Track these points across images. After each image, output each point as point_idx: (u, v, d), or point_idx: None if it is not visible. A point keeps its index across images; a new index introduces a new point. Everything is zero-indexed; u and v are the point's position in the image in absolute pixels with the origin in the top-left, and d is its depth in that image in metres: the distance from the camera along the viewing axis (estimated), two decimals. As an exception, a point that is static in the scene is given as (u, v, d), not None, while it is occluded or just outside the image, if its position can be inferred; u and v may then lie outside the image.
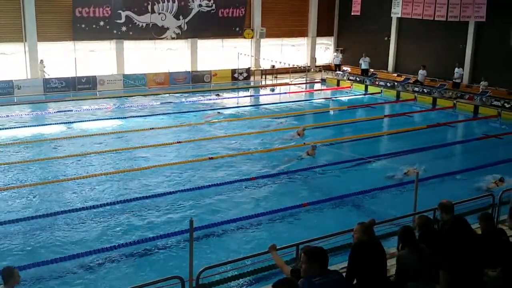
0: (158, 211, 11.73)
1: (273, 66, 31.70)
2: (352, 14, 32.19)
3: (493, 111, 22.83)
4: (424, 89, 26.43)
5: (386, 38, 31.42)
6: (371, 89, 28.35)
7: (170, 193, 12.66)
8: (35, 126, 19.45)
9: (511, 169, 14.83)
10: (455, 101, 24.53)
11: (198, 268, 7.08)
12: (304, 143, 16.37)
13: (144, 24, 28.40)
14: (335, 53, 34.14)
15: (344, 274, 5.56)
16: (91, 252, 9.66)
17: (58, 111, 21.84)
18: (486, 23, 25.08)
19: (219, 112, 22.02)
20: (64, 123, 19.95)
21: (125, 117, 21.28)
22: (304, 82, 31.20)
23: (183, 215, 11.43)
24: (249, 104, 24.43)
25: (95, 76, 26.81)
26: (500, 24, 24.67)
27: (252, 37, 32.43)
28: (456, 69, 26.02)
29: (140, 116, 21.42)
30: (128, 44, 28.62)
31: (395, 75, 30.22)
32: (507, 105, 22.79)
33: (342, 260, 8.65)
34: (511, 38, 24.21)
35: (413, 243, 6.24)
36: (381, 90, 27.81)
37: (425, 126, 20.33)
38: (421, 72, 27.49)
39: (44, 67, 26.47)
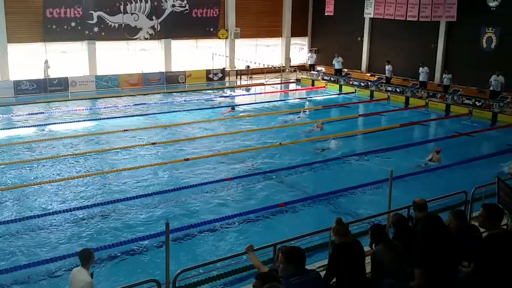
0: (133, 214, 11.59)
1: (248, 67, 31.68)
2: (325, 14, 32.43)
3: (464, 110, 23.26)
4: (397, 89, 26.77)
5: (359, 39, 31.71)
6: (346, 88, 28.61)
7: (146, 195, 12.53)
8: (5, 129, 19.04)
9: (483, 166, 15.14)
10: (427, 100, 24.90)
11: (175, 271, 7.02)
12: (280, 143, 16.40)
13: (116, 25, 28.07)
14: (310, 54, 34.31)
15: (321, 273, 5.59)
16: (64, 256, 9.48)
17: (29, 114, 21.42)
18: (457, 22, 25.55)
19: (233, 109, 22.38)
20: (35, 125, 19.59)
21: (98, 119, 21.00)
22: (279, 82, 31.29)
23: (159, 217, 11.33)
24: (226, 105, 24.35)
25: (67, 77, 26.38)
26: (470, 23, 25.14)
27: (226, 38, 32.37)
28: (421, 69, 26.32)
29: (113, 117, 21.16)
30: (100, 45, 28.24)
31: (369, 75, 30.54)
32: (477, 104, 23.24)
33: (319, 258, 8.72)
34: (482, 38, 24.71)
35: (386, 240, 6.31)
36: (355, 90, 28.09)
37: (398, 125, 20.57)
38: (387, 67, 27.84)
39: (49, 67, 26.25)
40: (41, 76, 25.90)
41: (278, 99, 26.88)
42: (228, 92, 28.30)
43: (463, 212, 8.37)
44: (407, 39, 28.50)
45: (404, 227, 7.21)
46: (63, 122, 20.16)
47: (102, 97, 25.33)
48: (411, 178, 13.87)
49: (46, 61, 26.36)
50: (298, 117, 21.41)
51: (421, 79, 26.30)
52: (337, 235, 6.00)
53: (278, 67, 32.50)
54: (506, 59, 23.46)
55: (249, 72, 31.61)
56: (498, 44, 24.20)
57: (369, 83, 28.11)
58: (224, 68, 31.53)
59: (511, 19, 23.35)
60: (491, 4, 24.25)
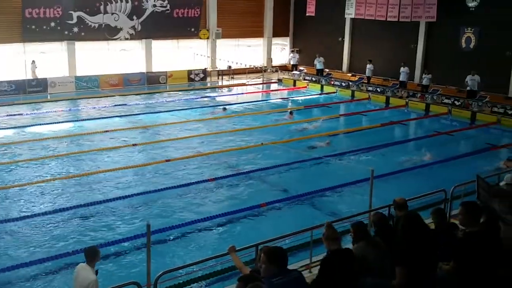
0: (114, 215, 11.48)
1: (230, 67, 31.64)
2: (307, 15, 32.54)
3: (443, 109, 23.53)
4: (378, 89, 26.97)
5: (340, 39, 31.89)
6: (327, 88, 28.72)
7: (126, 196, 12.40)
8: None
9: (463, 165, 15.32)
10: (407, 100, 25.13)
11: (156, 272, 6.96)
12: (262, 143, 16.40)
13: (96, 25, 27.78)
14: (292, 54, 34.38)
15: (303, 272, 5.59)
16: (44, 259, 9.35)
17: (7, 115, 21.07)
18: (437, 22, 25.84)
19: (224, 109, 22.48)
20: (14, 127, 19.27)
21: (78, 120, 20.77)
22: (261, 82, 31.29)
23: (140, 218, 11.23)
24: (206, 106, 24.27)
25: (46, 78, 26.04)
26: (450, 23, 25.46)
27: (208, 38, 32.27)
28: (402, 68, 26.57)
29: (93, 118, 20.95)
30: (80, 45, 27.92)
31: (350, 75, 30.72)
32: (457, 103, 23.53)
33: (301, 258, 8.74)
34: (461, 38, 25.03)
35: (367, 237, 6.34)
36: (337, 90, 28.22)
37: (379, 124, 20.72)
38: (368, 66, 28.04)
39: (36, 67, 25.91)
40: (22, 76, 25.54)
41: (261, 99, 26.87)
42: (210, 93, 28.19)
43: (442, 210, 8.46)
44: (387, 39, 28.75)
45: (385, 226, 7.26)
46: (43, 124, 19.88)
47: (82, 98, 25.04)
48: (391, 177, 13.96)
49: (33, 62, 26.05)
50: (289, 115, 21.62)
51: (401, 79, 26.53)
52: (327, 240, 5.96)
53: (260, 67, 32.51)
54: (485, 59, 23.83)
55: (231, 72, 31.57)
56: (477, 44, 24.54)
57: (350, 83, 28.26)
58: (205, 69, 31.42)
59: (490, 19, 23.72)
60: (470, 5, 24.60)
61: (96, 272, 6.48)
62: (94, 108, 23.15)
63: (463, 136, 20.03)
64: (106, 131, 18.66)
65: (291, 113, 21.87)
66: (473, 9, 24.57)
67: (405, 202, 7.72)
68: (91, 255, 6.51)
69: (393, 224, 7.80)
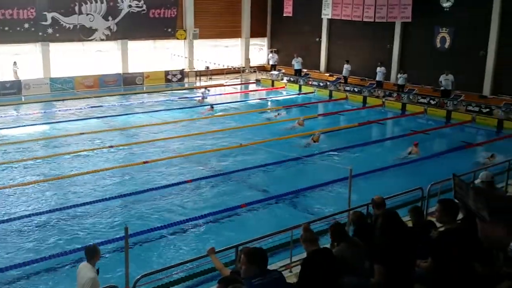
0: (91, 219, 11.33)
1: (208, 67, 31.53)
2: (284, 15, 32.61)
3: (419, 108, 23.83)
4: (355, 88, 27.18)
5: (317, 39, 32.06)
6: (305, 88, 28.84)
7: (104, 199, 12.26)
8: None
9: (439, 163, 15.53)
10: (383, 100, 25.39)
11: (135, 276, 6.88)
12: (241, 144, 16.38)
13: (71, 26, 27.39)
14: (271, 54, 34.41)
15: (284, 272, 5.58)
16: (20, 264, 9.17)
17: (-20, 118, 20.66)
18: (412, 23, 26.16)
19: (212, 108, 22.60)
20: (-13, 130, 18.91)
21: (53, 122, 20.46)
22: (239, 83, 31.26)
23: (118, 221, 11.10)
24: (183, 106, 24.13)
25: (20, 80, 25.57)
26: (425, 23, 25.80)
27: (185, 38, 32.08)
28: (378, 68, 26.82)
29: (69, 120, 20.65)
30: (54, 47, 27.49)
31: (327, 75, 30.89)
32: (432, 102, 23.85)
33: (282, 258, 8.74)
34: (436, 38, 25.40)
35: (346, 238, 6.36)
36: (315, 90, 28.35)
37: (356, 124, 20.88)
38: (346, 66, 28.25)
39: (18, 68, 25.50)
40: (9, 78, 25.36)
41: (239, 100, 26.83)
42: (188, 94, 28.05)
43: (419, 208, 8.57)
44: (364, 40, 29.00)
45: (363, 224, 7.31)
46: (17, 126, 19.52)
47: (57, 100, 24.67)
48: (369, 176, 14.08)
49: (15, 63, 25.65)
50: (277, 115, 21.90)
51: (377, 78, 26.78)
52: (305, 242, 5.99)
53: (238, 68, 32.47)
54: (459, 58, 24.21)
55: (209, 73, 31.45)
56: (452, 44, 24.93)
57: (328, 83, 28.44)
58: (183, 69, 31.24)
59: (464, 19, 24.11)
60: (444, 5, 24.96)
61: (98, 271, 6.64)
62: (70, 110, 22.81)
63: (439, 135, 20.33)
64: (82, 133, 18.41)
65: (279, 113, 22.16)
66: (447, 9, 24.95)
67: (383, 200, 7.80)
68: (91, 253, 6.67)
69: (371, 222, 7.86)
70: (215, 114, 21.97)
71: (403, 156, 15.98)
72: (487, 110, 21.99)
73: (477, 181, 9.09)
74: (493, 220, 2.23)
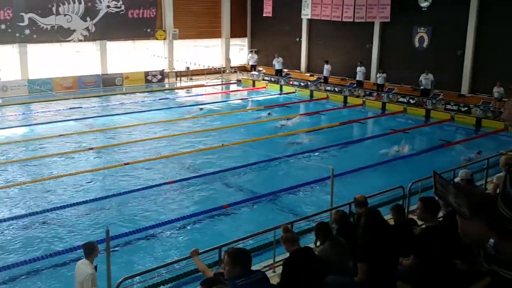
0: (72, 221, 11.19)
1: (188, 68, 31.39)
2: (264, 15, 32.64)
3: (399, 107, 24.06)
4: (336, 88, 27.33)
5: (298, 39, 32.16)
6: (286, 88, 28.90)
7: (85, 202, 12.11)
8: None
9: (419, 161, 15.70)
10: (364, 99, 25.58)
11: (117, 278, 6.82)
12: (222, 145, 16.34)
13: (49, 27, 27.01)
14: (250, 54, 34.40)
15: (267, 273, 5.58)
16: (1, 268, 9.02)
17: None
18: (391, 23, 26.40)
19: (201, 109, 22.68)
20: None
21: (32, 124, 20.17)
22: (220, 83, 31.19)
23: (99, 224, 10.98)
24: (164, 107, 23.99)
25: (-2, 82, 25.20)
26: (403, 23, 26.06)
27: (164, 39, 31.90)
28: (358, 68, 27.00)
29: (48, 122, 20.37)
30: (32, 48, 27.10)
31: (308, 74, 31.01)
32: (411, 101, 24.10)
33: (265, 258, 8.74)
34: (414, 37, 25.68)
35: (331, 237, 6.39)
36: (296, 90, 28.43)
37: (337, 123, 20.99)
38: (326, 67, 28.39)
39: (0, 70, 24.99)
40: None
41: (220, 100, 26.74)
42: (168, 94, 27.90)
43: (401, 206, 8.65)
44: (343, 40, 29.19)
45: (346, 223, 7.35)
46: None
47: (36, 102, 24.32)
48: (351, 175, 14.16)
49: None
50: (268, 113, 22.14)
51: (358, 78, 26.97)
52: (286, 243, 6.00)
53: (219, 68, 32.41)
54: (437, 57, 24.52)
55: (189, 73, 31.33)
56: (430, 43, 25.24)
57: (309, 83, 28.55)
58: (163, 70, 31.06)
59: (442, 19, 24.43)
60: (422, 5, 25.25)
61: (96, 268, 6.69)
62: (48, 111, 22.50)
63: (419, 133, 20.55)
64: (61, 135, 18.17)
65: (269, 113, 22.35)
66: (425, 9, 25.24)
67: (365, 199, 7.86)
68: (89, 250, 6.72)
69: (354, 221, 7.91)
70: (203, 115, 21.83)
71: (392, 153, 16.14)
72: (466, 108, 22.30)
73: (456, 179, 9.20)
74: (473, 217, 2.25)
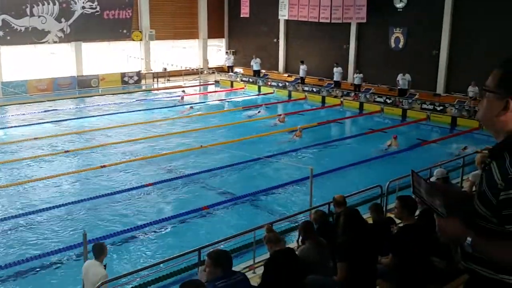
0: (48, 225, 11.00)
1: (165, 69, 31.19)
2: (241, 16, 32.63)
3: (376, 107, 24.29)
4: (313, 89, 27.46)
5: (275, 40, 32.23)
6: (264, 89, 28.94)
7: (61, 205, 11.92)
8: None
9: (397, 160, 15.86)
10: (342, 99, 25.75)
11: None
12: (201, 146, 16.26)
13: (23, 28, 26.54)
14: (227, 55, 34.36)
15: (247, 274, 5.57)
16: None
17: None
18: (367, 23, 26.64)
19: (191, 107, 23.09)
20: None
21: (6, 127, 19.81)
22: (198, 84, 31.05)
23: (76, 227, 10.81)
24: (141, 109, 23.79)
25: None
26: (379, 24, 26.32)
27: (141, 40, 31.65)
28: (335, 69, 27.18)
29: (22, 125, 20.02)
30: (5, 50, 26.59)
31: (286, 75, 31.09)
32: (388, 101, 24.35)
33: (245, 259, 8.72)
34: (390, 38, 25.97)
35: (313, 237, 6.42)
36: (274, 90, 28.49)
37: (316, 123, 21.07)
38: (302, 67, 28.53)
39: None
40: None
41: (198, 101, 26.61)
42: (145, 96, 27.68)
43: (379, 205, 8.72)
44: (321, 40, 29.35)
45: (325, 222, 7.38)
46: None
47: (10, 105, 23.88)
48: (330, 175, 14.22)
49: None
50: (258, 112, 22.51)
51: (335, 78, 27.14)
52: (269, 243, 6.00)
53: (196, 69, 32.28)
54: (413, 57, 24.83)
55: (166, 74, 31.13)
56: (406, 44, 25.54)
57: (287, 84, 28.63)
58: (139, 71, 30.80)
59: (417, 20, 24.74)
60: (398, 5, 25.55)
61: (105, 267, 6.76)
62: (23, 114, 22.11)
63: (396, 133, 20.69)
64: (36, 138, 17.87)
65: (259, 111, 22.82)
66: (400, 10, 25.54)
67: (344, 199, 7.90)
68: (99, 250, 6.77)
69: (333, 220, 7.94)
70: (164, 118, 21.65)
71: (383, 149, 16.39)
72: (441, 108, 22.62)
73: (432, 178, 9.31)
74: (450, 216, 2.27)
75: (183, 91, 24.33)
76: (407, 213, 6.18)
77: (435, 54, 24.41)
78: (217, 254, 5.08)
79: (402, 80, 24.07)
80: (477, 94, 21.73)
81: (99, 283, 6.39)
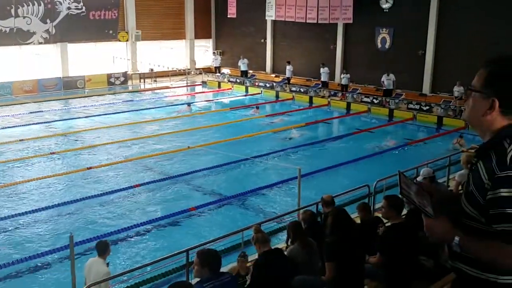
0: (35, 228, 10.90)
1: (152, 70, 31.04)
2: (228, 16, 32.59)
3: (363, 107, 24.39)
4: (301, 89, 27.52)
5: (262, 40, 32.24)
6: (252, 90, 28.93)
7: (47, 207, 11.81)
8: None
9: (384, 160, 15.94)
10: (329, 99, 25.83)
11: (82, 285, 6.67)
12: (188, 147, 16.21)
13: (7, 29, 26.24)
14: (214, 56, 34.29)
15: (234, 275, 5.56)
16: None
17: None
18: (353, 24, 26.75)
19: (189, 105, 23.85)
20: None
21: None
22: (185, 85, 30.95)
23: (63, 230, 10.72)
24: (128, 110, 23.66)
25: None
26: (366, 25, 26.43)
27: (127, 40, 31.47)
28: (321, 69, 27.24)
29: (7, 127, 19.79)
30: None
31: (273, 75, 31.11)
32: (375, 101, 24.48)
33: (233, 260, 8.70)
34: (377, 38, 26.11)
35: (302, 237, 6.42)
36: (261, 91, 28.49)
37: (303, 123, 21.11)
38: (288, 67, 28.58)
39: None
40: None
41: (186, 102, 26.48)
42: (132, 97, 27.52)
43: (367, 204, 8.75)
44: (308, 41, 29.43)
45: (314, 222, 7.39)
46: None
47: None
48: (318, 175, 14.26)
49: None
50: (255, 110, 22.80)
51: (322, 79, 27.22)
52: (257, 243, 5.99)
53: (183, 70, 32.17)
54: (400, 58, 24.99)
55: (153, 75, 30.99)
56: (392, 44, 25.70)
57: (274, 84, 28.65)
58: (126, 72, 30.62)
59: (403, 20, 24.91)
60: (384, 6, 25.69)
61: (107, 265, 6.88)
62: (8, 116, 21.87)
63: (383, 133, 20.84)
64: (22, 140, 17.69)
65: (257, 107, 23.43)
66: (387, 10, 25.69)
67: (332, 198, 7.92)
68: (102, 248, 6.89)
69: (321, 220, 7.96)
70: (152, 119, 21.57)
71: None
72: (427, 107, 22.79)
73: (419, 178, 9.36)
74: (437, 216, 2.28)
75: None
76: (394, 213, 6.21)
77: (421, 55, 24.59)
78: (205, 254, 5.06)
79: (387, 80, 24.22)
80: (462, 94, 21.92)
81: (101, 279, 6.51)
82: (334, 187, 11.60)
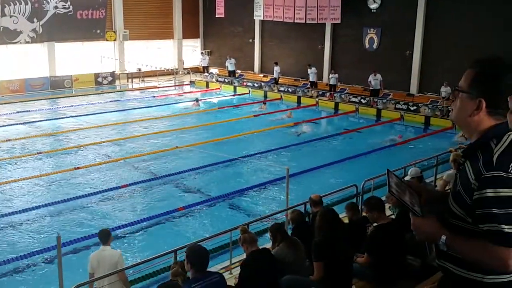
0: (21, 229, 10.79)
1: (140, 69, 30.88)
2: (216, 16, 32.54)
3: (351, 107, 24.49)
4: (289, 89, 27.56)
5: (250, 40, 32.23)
6: (240, 89, 28.91)
7: (34, 208, 11.70)
8: None
9: (372, 159, 16.01)
10: (317, 99, 25.89)
11: (70, 285, 6.62)
12: (176, 147, 16.16)
13: (-6, 28, 26.02)
14: (202, 56, 34.20)
15: (224, 274, 5.55)
16: None
17: None
18: (341, 24, 26.85)
19: (197, 100, 24.27)
20: None
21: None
22: (173, 85, 30.84)
23: (51, 230, 10.63)
24: (116, 109, 23.51)
25: None
26: (353, 25, 26.55)
27: (115, 40, 31.29)
28: (309, 70, 27.30)
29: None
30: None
31: (261, 75, 31.12)
32: (363, 101, 24.59)
33: (221, 260, 8.70)
34: (364, 39, 26.23)
35: (287, 237, 6.42)
36: (249, 91, 28.49)
37: (292, 123, 21.13)
38: (276, 68, 28.62)
39: None
40: None
41: (173, 101, 26.41)
42: (119, 96, 27.37)
43: (355, 204, 8.79)
44: (296, 41, 29.48)
45: (302, 222, 7.41)
46: None
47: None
48: (306, 175, 14.28)
49: None
50: (261, 107, 23.19)
51: (310, 79, 27.28)
52: (245, 243, 5.99)
53: (171, 70, 32.06)
54: (387, 58, 25.12)
55: (141, 75, 30.84)
56: (380, 44, 25.83)
57: (263, 84, 28.67)
58: (113, 72, 30.44)
59: (391, 20, 25.05)
60: (371, 6, 25.82)
61: None
62: (-6, 115, 21.66)
63: (371, 133, 20.93)
64: (8, 140, 17.52)
65: (264, 103, 23.85)
66: (374, 10, 25.81)
67: (320, 198, 7.94)
68: (105, 236, 7.15)
69: (309, 220, 7.98)
70: (141, 118, 21.47)
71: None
72: (415, 107, 22.94)
73: (407, 177, 9.43)
74: (425, 215, 2.29)
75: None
76: (377, 213, 6.27)
77: (409, 55, 24.75)
78: (191, 251, 5.09)
79: (374, 80, 24.33)
80: (449, 94, 22.07)
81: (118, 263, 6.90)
82: (322, 186, 11.63)
